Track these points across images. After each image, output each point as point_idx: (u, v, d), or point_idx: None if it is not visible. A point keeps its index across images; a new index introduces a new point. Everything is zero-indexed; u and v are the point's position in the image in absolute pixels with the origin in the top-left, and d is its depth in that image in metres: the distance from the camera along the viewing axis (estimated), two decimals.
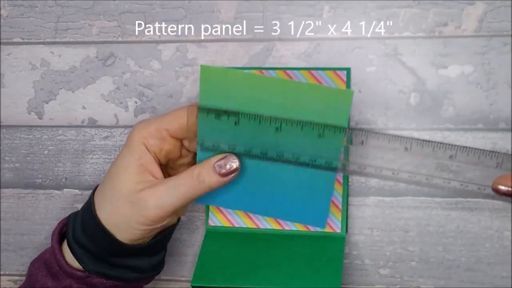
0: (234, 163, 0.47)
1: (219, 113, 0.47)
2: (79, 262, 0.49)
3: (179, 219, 0.53)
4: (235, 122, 0.47)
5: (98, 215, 0.48)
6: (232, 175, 0.48)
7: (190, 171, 0.47)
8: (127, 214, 0.47)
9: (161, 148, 0.49)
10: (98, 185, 0.51)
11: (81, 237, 0.49)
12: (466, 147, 0.46)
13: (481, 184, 0.46)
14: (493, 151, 0.46)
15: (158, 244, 0.51)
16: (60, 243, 0.51)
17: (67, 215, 0.54)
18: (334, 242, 0.54)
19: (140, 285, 0.53)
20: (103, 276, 0.49)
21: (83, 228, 0.49)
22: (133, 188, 0.47)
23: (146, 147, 0.48)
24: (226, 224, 0.56)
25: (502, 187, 0.44)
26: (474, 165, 0.46)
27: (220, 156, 0.48)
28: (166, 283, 0.58)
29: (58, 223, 0.52)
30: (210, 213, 0.56)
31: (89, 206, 0.49)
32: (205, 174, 0.47)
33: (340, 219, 0.55)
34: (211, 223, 0.56)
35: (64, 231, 0.52)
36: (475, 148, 0.46)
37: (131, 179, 0.47)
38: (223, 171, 0.47)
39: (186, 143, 0.50)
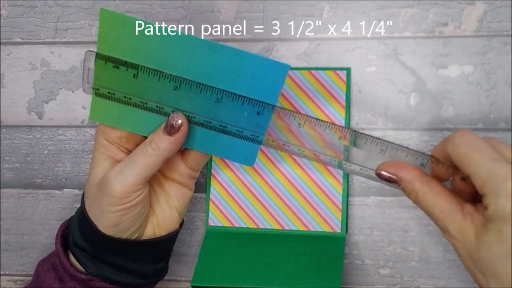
0: (180, 119, 0.47)
1: (118, 63, 0.46)
2: (81, 265, 0.49)
3: (181, 225, 0.53)
4: (134, 75, 0.46)
5: (88, 214, 0.49)
6: (181, 131, 0.47)
7: (144, 141, 0.48)
8: (98, 199, 0.48)
9: (120, 136, 0.48)
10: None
11: (78, 239, 0.49)
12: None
13: (363, 166, 0.47)
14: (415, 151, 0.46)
15: (158, 246, 0.51)
16: (64, 245, 0.51)
17: (67, 215, 0.54)
18: (334, 242, 0.54)
19: None
20: (106, 280, 0.49)
21: (79, 229, 0.50)
22: (104, 181, 0.47)
23: (107, 141, 0.48)
24: (226, 224, 0.56)
25: (384, 173, 0.45)
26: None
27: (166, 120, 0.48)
28: (166, 283, 0.58)
29: (60, 226, 0.52)
30: (210, 213, 0.56)
31: (81, 207, 0.50)
32: (157, 140, 0.47)
33: (340, 219, 0.55)
34: (211, 223, 0.56)
35: (67, 234, 0.52)
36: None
37: (100, 171, 0.48)
38: (171, 130, 0.47)
39: None
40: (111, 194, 0.47)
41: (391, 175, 0.44)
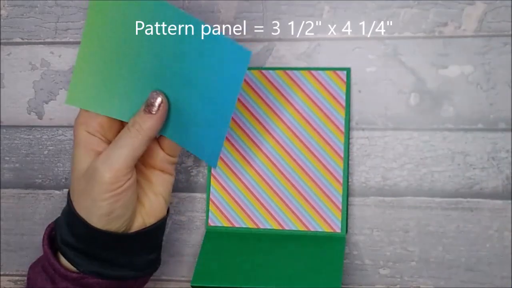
0: (159, 97, 0.48)
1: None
2: (72, 264, 0.49)
3: (168, 211, 0.53)
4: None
5: (77, 210, 0.49)
6: (162, 108, 0.49)
7: (126, 126, 0.49)
8: (87, 190, 0.48)
9: (101, 122, 0.49)
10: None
11: (68, 237, 0.49)
12: None
13: None
14: None
15: (149, 236, 0.51)
16: (52, 247, 0.51)
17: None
18: (334, 242, 0.54)
19: (137, 285, 0.52)
20: (98, 275, 0.49)
21: (68, 228, 0.50)
22: (90, 173, 0.48)
23: (89, 132, 0.49)
24: (226, 224, 0.56)
25: None
26: None
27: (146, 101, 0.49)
28: (166, 283, 0.58)
29: (47, 228, 0.52)
30: (210, 213, 0.56)
31: (68, 204, 0.50)
32: (139, 120, 0.48)
33: (340, 219, 0.55)
34: (211, 223, 0.56)
35: (54, 235, 0.52)
36: None
37: (83, 166, 0.48)
38: (152, 108, 0.48)
39: None
40: (102, 181, 0.47)
41: None
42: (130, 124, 0.49)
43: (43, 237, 0.51)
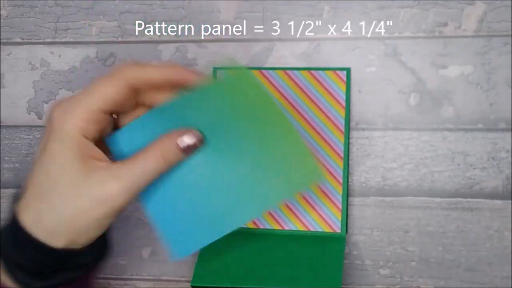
0: (196, 137, 0.43)
1: None
2: (20, 285, 0.42)
3: None
4: None
5: (27, 225, 0.41)
6: (194, 150, 0.44)
7: (153, 151, 0.43)
8: (82, 209, 0.41)
9: (100, 129, 0.43)
10: (16, 195, 0.44)
11: (18, 259, 0.42)
12: None
13: None
14: None
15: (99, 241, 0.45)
16: None
17: None
18: (334, 242, 0.54)
19: (91, 277, 0.46)
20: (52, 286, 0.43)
21: (15, 247, 0.42)
22: (80, 181, 0.41)
23: (85, 136, 0.42)
24: None
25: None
26: None
27: (181, 131, 0.43)
28: (166, 283, 0.58)
29: None
30: None
31: (14, 218, 0.42)
32: (171, 154, 0.43)
33: (340, 219, 0.55)
34: None
35: None
36: None
37: (73, 174, 0.41)
38: (187, 148, 0.43)
39: (118, 117, 0.45)
40: (112, 205, 0.41)
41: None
42: (158, 153, 0.42)
43: None
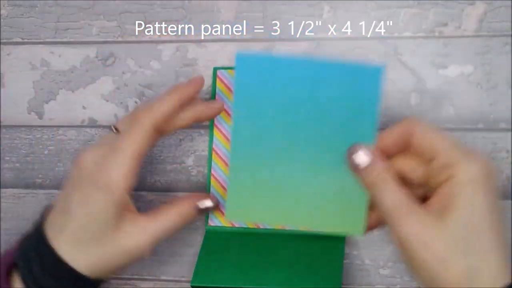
0: (213, 202, 0.52)
1: None
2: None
3: None
4: None
5: (61, 255, 0.46)
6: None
7: (174, 210, 0.49)
8: (108, 254, 0.46)
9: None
10: (41, 220, 0.49)
11: (43, 280, 0.46)
12: None
13: None
14: None
15: None
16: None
17: None
18: (334, 242, 0.54)
19: None
20: None
21: (43, 271, 0.46)
22: (112, 231, 0.46)
23: (126, 191, 0.47)
24: (226, 224, 0.56)
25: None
26: None
27: (201, 196, 0.52)
28: (166, 283, 0.58)
29: (4, 256, 0.48)
30: (210, 213, 0.56)
31: (47, 246, 0.46)
32: (189, 215, 0.50)
33: None
34: (211, 223, 0.56)
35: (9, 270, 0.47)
36: None
37: (109, 224, 0.46)
38: (206, 209, 0.52)
39: None
40: (130, 254, 0.47)
41: (360, 158, 0.43)
42: (179, 212, 0.49)
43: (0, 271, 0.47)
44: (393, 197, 0.41)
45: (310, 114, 0.46)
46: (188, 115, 0.49)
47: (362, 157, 0.43)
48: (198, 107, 0.50)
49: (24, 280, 0.46)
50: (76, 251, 0.46)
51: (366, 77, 0.44)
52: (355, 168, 0.43)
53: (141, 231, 0.46)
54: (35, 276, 0.46)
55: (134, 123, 0.47)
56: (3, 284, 0.46)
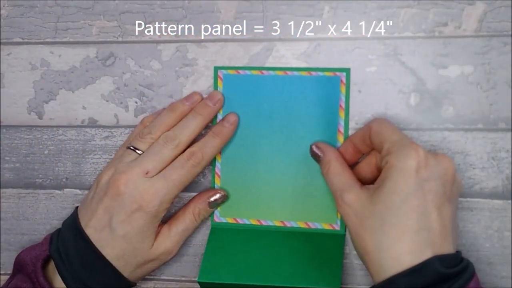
0: (218, 195, 0.56)
1: None
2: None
3: None
4: None
5: (105, 255, 0.52)
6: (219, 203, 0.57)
7: (190, 210, 0.55)
8: (143, 263, 0.54)
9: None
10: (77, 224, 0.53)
11: (83, 275, 0.52)
12: None
13: None
14: None
15: None
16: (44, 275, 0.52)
17: (68, 215, 0.54)
18: (333, 240, 0.54)
19: None
20: None
21: (86, 269, 0.52)
22: (150, 246, 0.53)
23: (165, 210, 0.53)
24: (231, 220, 0.56)
25: (314, 147, 0.54)
26: None
27: (211, 192, 0.56)
28: (166, 283, 0.58)
29: (38, 255, 0.53)
30: (215, 210, 0.57)
31: (89, 245, 0.52)
32: (204, 213, 0.56)
33: (339, 217, 0.55)
34: (216, 219, 0.57)
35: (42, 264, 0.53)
36: None
37: (148, 240, 0.53)
38: (214, 201, 0.56)
39: None
40: (157, 258, 0.54)
41: (317, 150, 0.53)
42: (195, 213, 0.55)
43: (36, 267, 0.52)
44: (338, 179, 0.50)
45: (285, 121, 0.55)
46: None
47: (317, 151, 0.53)
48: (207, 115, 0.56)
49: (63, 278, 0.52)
50: (122, 261, 0.52)
51: (329, 85, 0.54)
52: (316, 159, 0.54)
53: (168, 239, 0.54)
54: (76, 273, 0.52)
55: (182, 165, 0.54)
56: (38, 273, 0.52)
